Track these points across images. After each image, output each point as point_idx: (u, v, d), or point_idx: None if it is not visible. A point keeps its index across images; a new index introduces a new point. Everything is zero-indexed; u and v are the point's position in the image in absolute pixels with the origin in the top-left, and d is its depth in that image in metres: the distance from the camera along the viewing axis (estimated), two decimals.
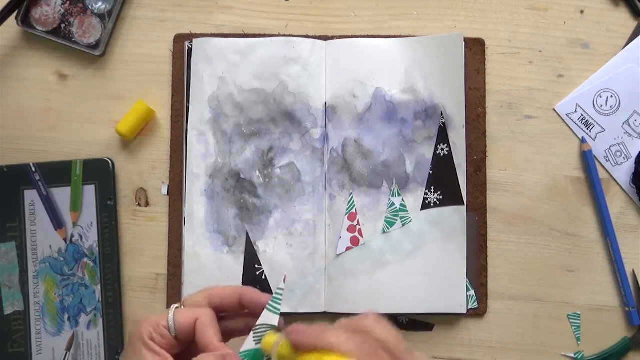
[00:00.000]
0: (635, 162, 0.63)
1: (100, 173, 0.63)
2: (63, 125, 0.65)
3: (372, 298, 0.61)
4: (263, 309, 0.43)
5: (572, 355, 0.63)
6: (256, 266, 0.62)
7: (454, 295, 0.62)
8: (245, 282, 0.62)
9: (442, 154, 0.62)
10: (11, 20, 0.63)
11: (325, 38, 0.64)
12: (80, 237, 0.63)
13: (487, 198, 0.63)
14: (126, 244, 0.64)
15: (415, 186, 0.62)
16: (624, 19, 0.65)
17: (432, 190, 0.62)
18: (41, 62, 0.65)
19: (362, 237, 0.62)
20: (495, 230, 0.63)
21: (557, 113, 0.64)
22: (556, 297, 0.63)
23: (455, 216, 0.62)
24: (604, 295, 0.63)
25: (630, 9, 0.65)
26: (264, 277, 0.62)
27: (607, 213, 0.63)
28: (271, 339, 0.41)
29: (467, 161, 0.63)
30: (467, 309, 0.62)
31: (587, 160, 0.63)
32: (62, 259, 0.63)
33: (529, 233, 0.63)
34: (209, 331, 0.44)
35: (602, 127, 0.64)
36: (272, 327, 0.43)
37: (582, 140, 0.63)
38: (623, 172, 0.64)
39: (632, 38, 0.64)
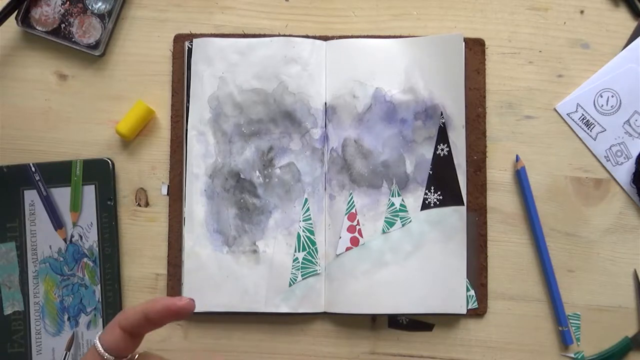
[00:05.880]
0: (635, 162, 0.63)
1: (100, 173, 0.63)
2: (63, 125, 0.65)
3: (372, 298, 0.61)
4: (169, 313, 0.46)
5: (572, 356, 0.63)
6: None
7: (454, 296, 0.62)
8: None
9: (442, 154, 0.62)
10: (11, 20, 0.63)
11: (325, 38, 0.64)
12: (80, 237, 0.63)
13: (487, 198, 0.63)
14: (126, 244, 0.64)
15: (415, 186, 0.62)
16: (624, 19, 0.65)
17: (432, 191, 0.62)
18: (41, 62, 0.65)
19: (362, 237, 0.62)
20: (495, 230, 0.63)
21: (557, 113, 0.64)
22: None
23: (455, 216, 0.62)
24: (604, 295, 0.63)
25: (630, 9, 0.65)
26: None
27: (539, 226, 0.63)
28: None
29: (467, 161, 0.63)
30: (467, 309, 0.62)
31: (521, 177, 0.63)
32: (62, 259, 0.63)
33: (529, 233, 0.63)
34: None
35: (602, 127, 0.64)
36: None
37: (516, 159, 0.63)
38: (623, 172, 0.64)
39: (632, 38, 0.64)
